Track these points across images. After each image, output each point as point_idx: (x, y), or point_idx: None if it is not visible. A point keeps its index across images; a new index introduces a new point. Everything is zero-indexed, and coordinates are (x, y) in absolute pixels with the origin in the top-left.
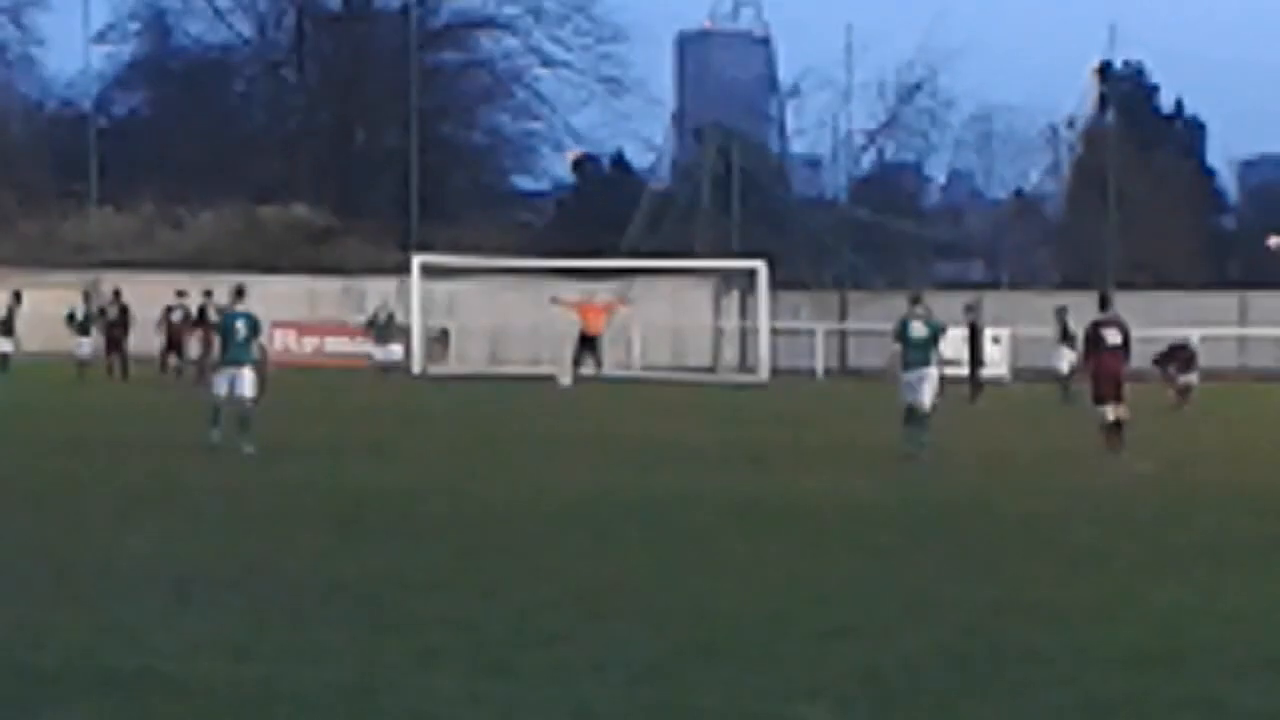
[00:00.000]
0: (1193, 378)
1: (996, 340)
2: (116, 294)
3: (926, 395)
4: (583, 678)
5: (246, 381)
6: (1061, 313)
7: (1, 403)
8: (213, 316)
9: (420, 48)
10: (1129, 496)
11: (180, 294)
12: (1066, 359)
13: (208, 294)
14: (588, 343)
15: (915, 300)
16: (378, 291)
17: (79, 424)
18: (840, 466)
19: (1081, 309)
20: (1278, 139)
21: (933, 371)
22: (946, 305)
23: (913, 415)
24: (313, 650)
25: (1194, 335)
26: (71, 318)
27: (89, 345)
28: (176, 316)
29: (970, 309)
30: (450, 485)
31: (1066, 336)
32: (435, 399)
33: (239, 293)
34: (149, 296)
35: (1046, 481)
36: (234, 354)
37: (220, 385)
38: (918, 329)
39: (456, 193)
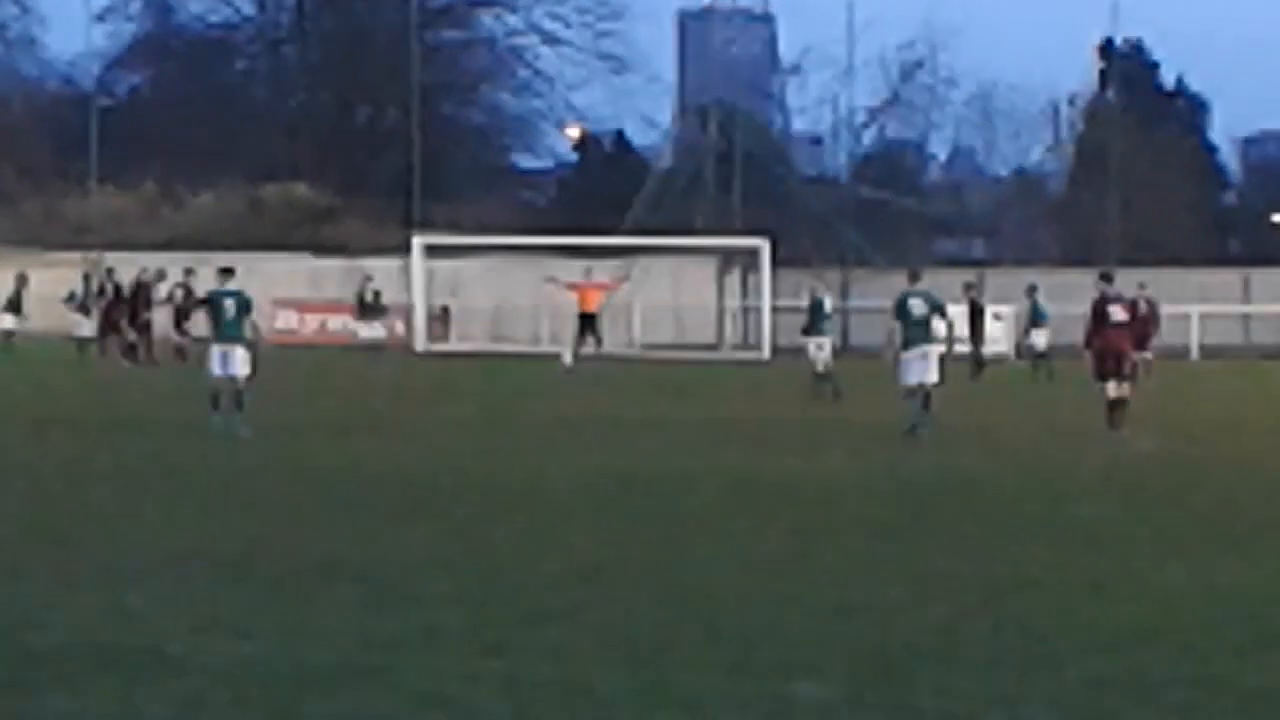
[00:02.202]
0: (1148, 355)
1: (998, 318)
2: (110, 272)
3: (930, 373)
4: (584, 656)
5: (239, 360)
6: (1031, 291)
7: (3, 381)
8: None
9: (421, 25)
10: (1130, 474)
11: (146, 271)
12: (1043, 336)
13: (144, 271)
14: (586, 321)
15: (915, 277)
16: (380, 270)
17: (79, 403)
18: (843, 444)
19: (1086, 285)
20: (1279, 116)
21: (933, 349)
22: (947, 283)
23: (916, 393)
24: (314, 629)
25: (1194, 312)
26: (71, 297)
27: (88, 324)
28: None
29: (970, 286)
30: (451, 464)
31: (1037, 315)
32: (436, 377)
33: (225, 272)
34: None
35: (1048, 459)
36: (224, 332)
37: (214, 364)
38: (917, 306)
39: (458, 171)
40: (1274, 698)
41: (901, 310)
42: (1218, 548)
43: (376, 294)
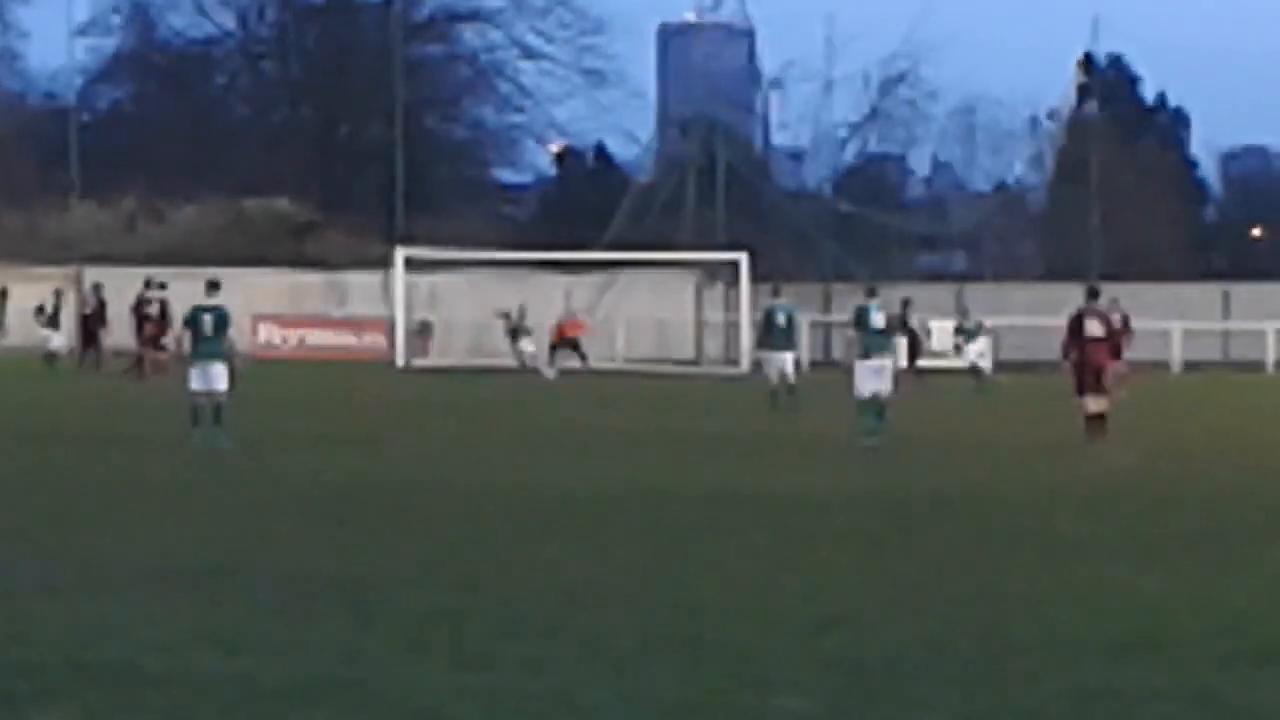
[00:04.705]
0: (1121, 366)
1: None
2: (97, 288)
3: (885, 383)
4: (567, 670)
5: (218, 376)
6: (960, 307)
7: None
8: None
9: (403, 41)
10: (1111, 487)
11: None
12: (977, 350)
13: (148, 285)
14: (567, 341)
15: (872, 293)
16: (360, 285)
17: (58, 417)
18: (824, 458)
19: (1068, 300)
20: (1260, 130)
21: (888, 361)
22: (930, 297)
23: (872, 404)
24: (298, 643)
25: (1176, 326)
26: (40, 310)
27: (58, 338)
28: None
29: (906, 303)
30: (434, 478)
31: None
32: (417, 392)
33: (213, 286)
34: (131, 291)
35: (1029, 472)
36: (202, 349)
37: (195, 381)
38: (876, 318)
39: (440, 186)
40: (1256, 711)
41: (861, 321)
42: (1198, 560)
43: (522, 314)
